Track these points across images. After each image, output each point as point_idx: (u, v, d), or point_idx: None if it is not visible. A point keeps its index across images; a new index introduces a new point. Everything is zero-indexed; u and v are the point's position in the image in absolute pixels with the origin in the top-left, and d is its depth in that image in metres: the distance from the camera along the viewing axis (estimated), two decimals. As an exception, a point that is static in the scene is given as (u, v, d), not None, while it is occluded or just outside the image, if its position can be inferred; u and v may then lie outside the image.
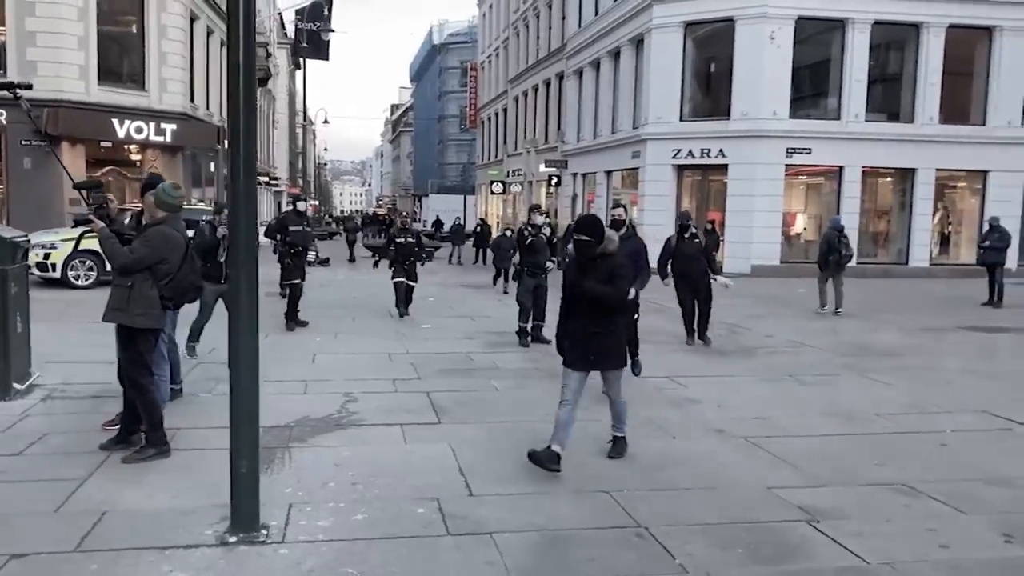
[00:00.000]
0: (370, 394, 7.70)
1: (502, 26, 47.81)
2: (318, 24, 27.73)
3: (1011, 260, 18.03)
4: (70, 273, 16.36)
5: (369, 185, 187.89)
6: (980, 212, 24.44)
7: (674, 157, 24.50)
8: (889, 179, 25.37)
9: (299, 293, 11.94)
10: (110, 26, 22.04)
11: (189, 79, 24.27)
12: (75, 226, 6.18)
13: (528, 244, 10.72)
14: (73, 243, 15.26)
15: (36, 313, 8.02)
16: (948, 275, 23.67)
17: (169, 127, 22.37)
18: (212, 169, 26.74)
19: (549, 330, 9.91)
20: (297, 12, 28.75)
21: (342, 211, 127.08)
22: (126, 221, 7.78)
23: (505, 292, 17.39)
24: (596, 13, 30.37)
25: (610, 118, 29.15)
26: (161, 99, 22.49)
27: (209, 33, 27.18)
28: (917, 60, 23.87)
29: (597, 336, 5.46)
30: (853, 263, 23.38)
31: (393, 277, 13.35)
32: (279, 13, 52.61)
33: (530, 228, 10.88)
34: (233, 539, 4.22)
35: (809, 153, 23.58)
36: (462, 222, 33.51)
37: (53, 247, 16.12)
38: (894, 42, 24.57)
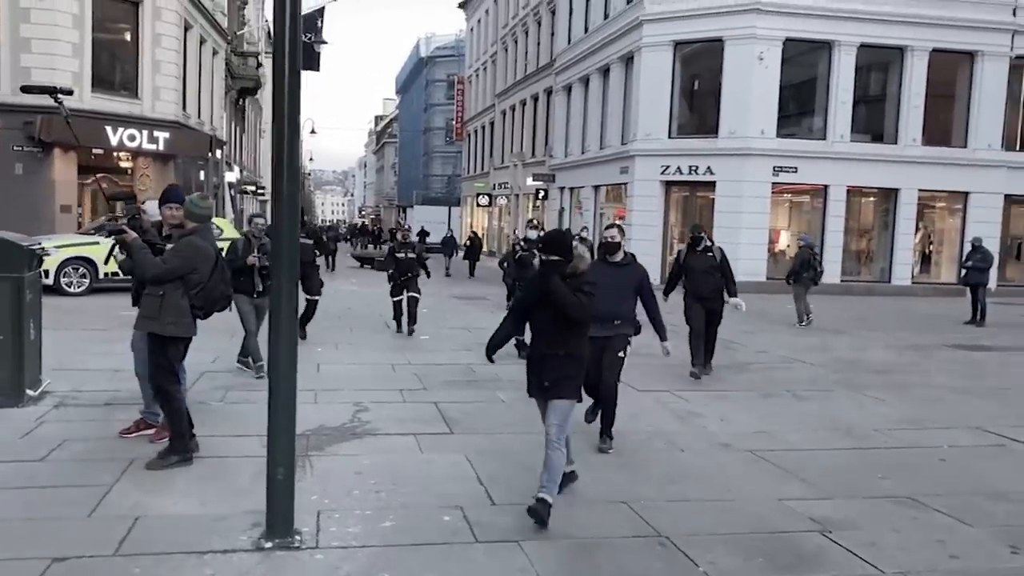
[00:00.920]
0: (380, 404, 7.81)
1: (490, 41, 48.14)
2: (310, 36, 27.78)
3: (991, 280, 18.42)
4: (63, 280, 16.34)
5: (351, 195, 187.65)
6: (961, 232, 24.97)
7: (662, 173, 24.82)
8: (873, 199, 25.83)
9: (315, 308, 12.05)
10: (104, 34, 22.03)
11: (182, 87, 24.27)
12: (108, 236, 6.25)
13: (518, 259, 10.83)
14: (106, 251, 15.30)
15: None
16: (929, 293, 24.12)
17: (162, 135, 22.37)
18: (202, 177, 26.70)
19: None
20: (288, 23, 28.64)
21: (323, 221, 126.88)
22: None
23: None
24: (586, 31, 30.72)
25: (599, 133, 29.46)
26: (154, 107, 22.48)
27: (202, 42, 27.20)
28: (901, 83, 24.38)
29: (552, 360, 4.94)
30: (837, 280, 24.07)
31: (392, 295, 12.98)
32: (266, 22, 52.67)
33: (522, 243, 11.00)
34: (269, 544, 4.33)
35: (795, 172, 23.96)
36: (453, 234, 33.67)
37: (46, 253, 16.07)
38: (879, 64, 25.08)
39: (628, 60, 26.66)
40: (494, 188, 44.86)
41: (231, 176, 33.05)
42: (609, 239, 6.74)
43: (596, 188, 29.79)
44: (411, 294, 12.80)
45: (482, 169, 49.63)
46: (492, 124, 47.54)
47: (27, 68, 20.48)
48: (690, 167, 24.36)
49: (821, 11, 23.23)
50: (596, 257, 6.79)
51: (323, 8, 30.41)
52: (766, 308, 17.17)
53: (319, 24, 28.84)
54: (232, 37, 33.18)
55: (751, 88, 23.39)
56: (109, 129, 21.32)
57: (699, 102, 25.80)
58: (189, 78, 25.37)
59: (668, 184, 25.25)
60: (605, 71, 28.66)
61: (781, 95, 23.76)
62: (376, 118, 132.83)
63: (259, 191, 45.53)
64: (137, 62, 22.60)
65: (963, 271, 17.79)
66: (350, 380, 8.90)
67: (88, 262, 16.70)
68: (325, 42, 27.59)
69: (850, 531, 4.88)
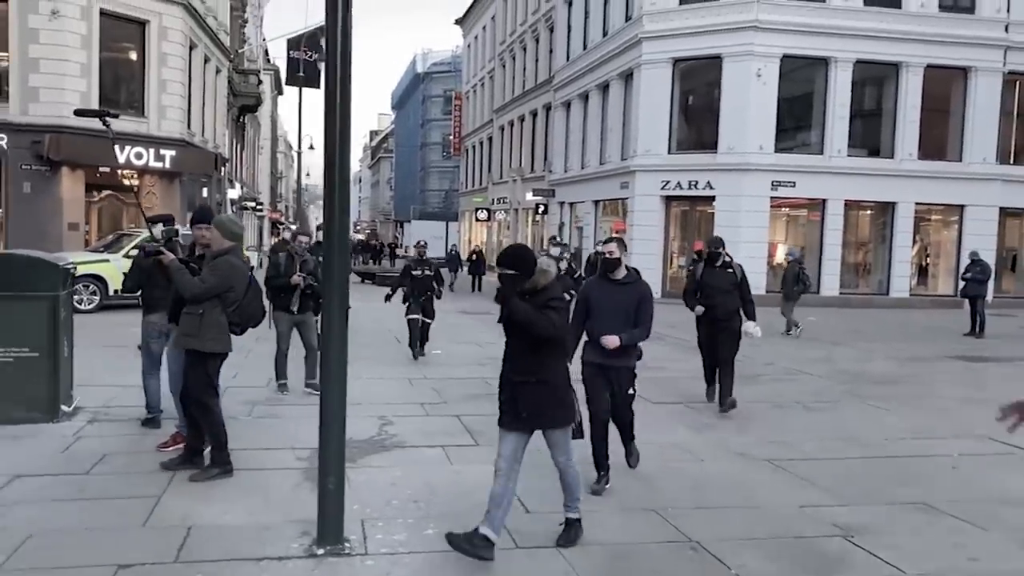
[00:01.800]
0: (404, 417, 8.02)
1: (487, 57, 48.58)
2: (312, 55, 28.11)
3: (988, 292, 18.74)
4: (73, 297, 16.48)
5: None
6: (957, 245, 25.33)
7: (662, 188, 25.15)
8: (870, 212, 26.18)
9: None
10: (112, 53, 22.32)
11: (187, 106, 24.52)
12: (146, 256, 6.43)
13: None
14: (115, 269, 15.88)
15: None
16: (927, 305, 24.43)
17: (168, 153, 22.59)
18: (205, 194, 26.91)
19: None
20: (290, 41, 29.06)
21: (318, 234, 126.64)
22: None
23: None
24: (584, 47, 31.11)
25: (598, 149, 29.80)
26: (160, 126, 22.73)
27: (206, 61, 27.50)
28: (897, 98, 24.78)
29: (524, 386, 4.52)
30: (836, 293, 24.40)
31: (407, 313, 12.19)
32: (264, 40, 53.13)
33: (543, 255, 10.93)
34: (321, 551, 4.53)
35: (793, 186, 24.31)
36: (457, 249, 33.99)
37: (75, 272, 16.28)
38: (875, 80, 25.51)
39: (627, 77, 27.04)
40: (493, 203, 45.18)
41: (233, 193, 33.30)
42: (608, 254, 6.04)
43: (596, 203, 30.10)
44: (425, 319, 12.16)
45: (480, 184, 49.96)
46: (490, 139, 47.90)
47: (35, 88, 20.78)
48: (690, 182, 24.69)
49: (818, 28, 23.64)
50: (596, 273, 6.34)
51: (322, 27, 30.77)
52: (769, 321, 17.40)
53: (321, 42, 29.10)
54: (233, 55, 33.49)
55: (749, 104, 23.76)
56: (116, 147, 21.50)
57: (698, 118, 26.16)
58: (194, 96, 25.64)
59: (668, 199, 25.57)
60: (604, 87, 29.03)
61: (779, 110, 24.14)
62: (371, 133, 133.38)
63: (258, 207, 45.71)
64: (143, 81, 22.87)
65: (962, 283, 18.10)
66: (370, 395, 9.09)
67: (98, 279, 16.87)
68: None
69: (870, 535, 5.09)
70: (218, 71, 29.81)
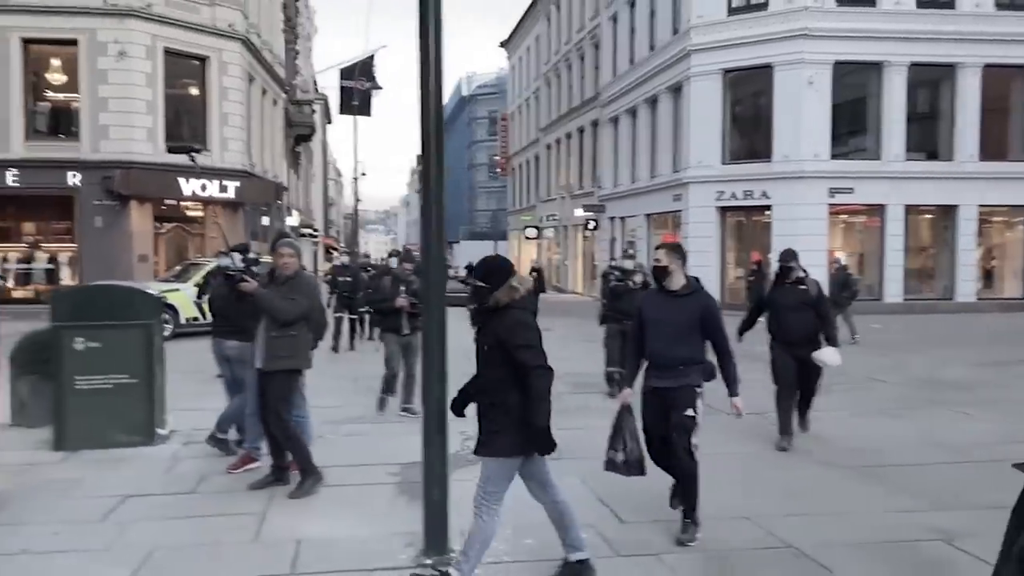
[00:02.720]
0: (483, 434, 8.14)
1: (533, 77, 49.00)
2: (365, 83, 28.72)
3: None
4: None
5: (395, 234, 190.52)
6: (1023, 246, 24.71)
7: (717, 199, 25.05)
8: (931, 216, 25.69)
9: None
10: (175, 90, 23.12)
11: (247, 137, 25.23)
12: (229, 284, 6.68)
13: (611, 289, 10.61)
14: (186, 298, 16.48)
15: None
16: (995, 309, 23.84)
17: (231, 184, 23.26)
18: (266, 223, 27.60)
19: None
20: (342, 71, 29.72)
21: (366, 256, 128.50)
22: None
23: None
24: (631, 63, 31.23)
25: (649, 162, 29.80)
26: (223, 157, 23.42)
27: (264, 93, 28.29)
28: (955, 99, 24.36)
29: (480, 408, 4.31)
30: (900, 299, 23.97)
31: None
32: (313, 73, 54.33)
33: (616, 272, 10.84)
34: (429, 561, 4.66)
35: (851, 193, 24.01)
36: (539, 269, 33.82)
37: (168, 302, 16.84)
38: (931, 82, 25.09)
39: (676, 90, 27.05)
40: (541, 220, 45.38)
41: (292, 220, 34.05)
42: (655, 262, 5.37)
43: (648, 217, 30.06)
44: None
45: (528, 202, 50.24)
46: (537, 158, 48.20)
47: (105, 126, 21.61)
48: (745, 192, 24.55)
49: (869, 33, 23.41)
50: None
51: (373, 55, 31.41)
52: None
53: (372, 70, 29.77)
54: (288, 86, 34.37)
55: (802, 112, 23.59)
56: (182, 180, 22.25)
57: (751, 127, 26.03)
58: (253, 128, 26.38)
59: (723, 210, 25.45)
60: (653, 101, 29.07)
61: (833, 116, 23.91)
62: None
63: (314, 234, 46.60)
64: (206, 115, 23.63)
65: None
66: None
67: (170, 308, 17.39)
68: (380, 87, 28.47)
69: (972, 540, 5.04)
70: (275, 102, 30.63)
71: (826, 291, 8.30)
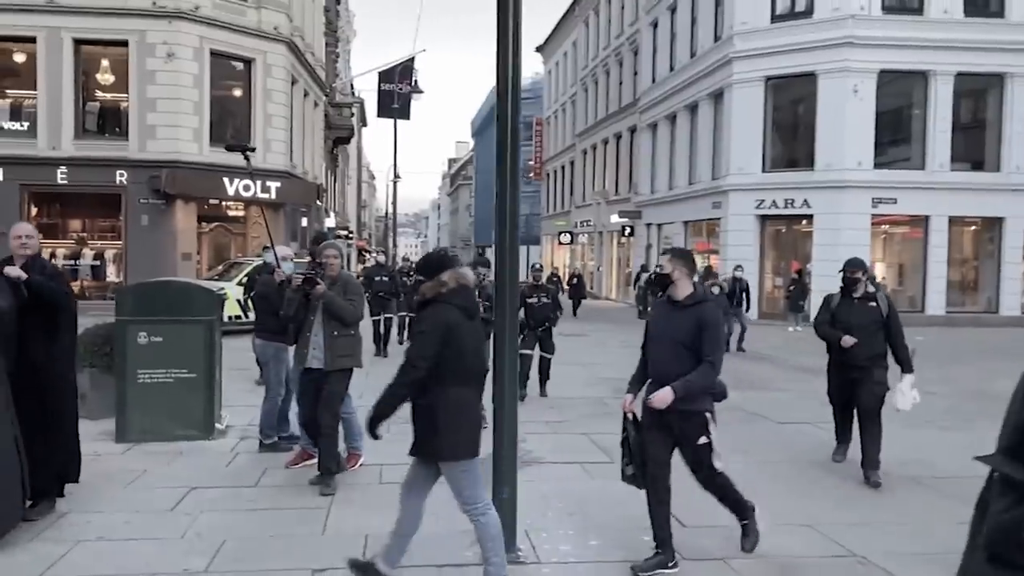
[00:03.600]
0: (533, 435, 8.18)
1: (569, 82, 49.03)
2: (402, 87, 28.94)
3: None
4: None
5: (425, 237, 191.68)
6: (1071, 260, 24.24)
7: (757, 207, 24.89)
8: (975, 227, 25.31)
9: None
10: (221, 91, 23.50)
11: (289, 139, 25.55)
12: (297, 286, 6.78)
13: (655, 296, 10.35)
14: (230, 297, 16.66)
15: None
16: (1041, 323, 23.42)
17: (273, 184, 23.56)
18: (304, 224, 27.91)
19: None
20: (381, 74, 29.98)
21: (405, 259, 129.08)
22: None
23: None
24: (671, 69, 31.15)
25: (687, 169, 29.68)
26: (265, 158, 23.73)
27: (305, 95, 28.63)
28: (1002, 109, 23.99)
29: (414, 409, 4.21)
30: (942, 312, 23.62)
31: (521, 347, 9.93)
32: (350, 75, 54.86)
33: (654, 276, 10.63)
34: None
35: (895, 203, 23.73)
36: (558, 272, 34.12)
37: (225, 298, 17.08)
38: (978, 91, 24.75)
39: (717, 96, 26.94)
40: (575, 226, 45.37)
41: (329, 222, 34.40)
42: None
43: (686, 224, 29.93)
44: (544, 354, 10.88)
45: (562, 207, 50.24)
46: (572, 163, 48.20)
47: (152, 126, 22.00)
48: (786, 200, 24.37)
49: (916, 42, 23.11)
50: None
51: (414, 58, 31.65)
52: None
53: (412, 73, 29.98)
54: (328, 89, 34.75)
55: (846, 120, 23.36)
56: (226, 180, 22.58)
57: (793, 135, 25.84)
58: (295, 130, 26.71)
59: (763, 218, 25.27)
60: (693, 107, 28.97)
61: (877, 125, 23.65)
62: (449, 161, 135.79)
63: (349, 236, 47.01)
64: (250, 116, 23.98)
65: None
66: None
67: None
68: (421, 91, 28.66)
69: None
70: (316, 105, 30.99)
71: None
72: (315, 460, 6.77)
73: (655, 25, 33.12)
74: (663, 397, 4.45)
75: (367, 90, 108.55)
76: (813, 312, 9.21)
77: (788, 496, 6.22)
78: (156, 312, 7.60)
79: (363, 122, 71.51)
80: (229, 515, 5.56)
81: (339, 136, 38.20)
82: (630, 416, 4.78)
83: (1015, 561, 1.85)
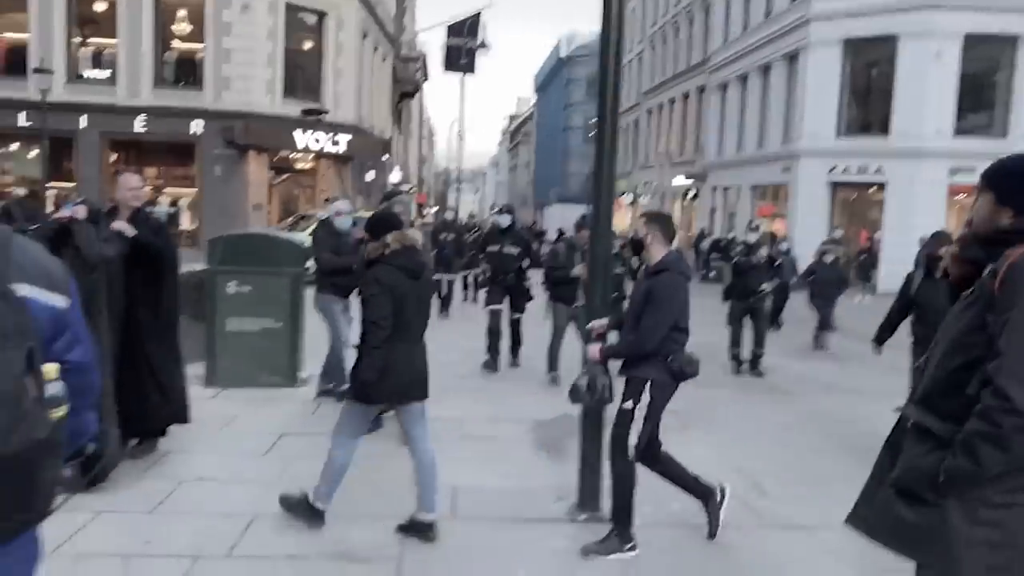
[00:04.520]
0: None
1: (636, 39, 48.15)
2: (469, 43, 28.82)
3: None
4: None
5: (482, 193, 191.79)
6: None
7: (829, 173, 24.32)
8: (1059, 200, 24.33)
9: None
10: (294, 44, 23.71)
11: (358, 93, 25.72)
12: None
13: (734, 264, 10.39)
14: None
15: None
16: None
17: (343, 138, 23.83)
18: (370, 178, 28.20)
19: (769, 359, 10.10)
20: (449, 28, 29.87)
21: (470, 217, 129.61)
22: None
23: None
24: (744, 28, 30.38)
25: (757, 132, 29.09)
26: (335, 112, 23.97)
27: (375, 49, 28.72)
28: (1095, 77, 22.91)
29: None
30: (1019, 287, 22.85)
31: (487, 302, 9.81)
32: (416, 30, 54.72)
33: (740, 246, 10.64)
34: (583, 516, 4.85)
35: (973, 172, 22.84)
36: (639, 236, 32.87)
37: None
38: (1069, 58, 23.63)
39: (792, 58, 26.24)
40: (637, 187, 44.93)
41: (394, 177, 34.67)
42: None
43: (753, 188, 29.43)
44: (515, 313, 9.88)
45: (624, 168, 49.72)
46: (636, 123, 47.58)
47: (227, 77, 22.36)
48: (859, 167, 23.78)
49: (1005, 6, 22.11)
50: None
51: (480, 12, 31.42)
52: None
53: (479, 28, 29.82)
54: (396, 44, 34.79)
55: (926, 86, 22.59)
56: (297, 133, 22.90)
57: (869, 100, 25.09)
58: (364, 84, 26.87)
59: (835, 185, 24.71)
60: (766, 69, 28.28)
61: (959, 92, 22.81)
62: (510, 117, 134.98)
63: (411, 190, 47.36)
64: (321, 70, 24.18)
65: None
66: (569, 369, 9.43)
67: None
68: (488, 46, 28.53)
69: None
70: (384, 59, 31.08)
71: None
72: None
73: (729, -17, 32.27)
74: (592, 351, 4.56)
75: (428, 43, 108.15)
76: (881, 284, 9.07)
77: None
78: (245, 263, 7.85)
79: (425, 77, 71.53)
80: (319, 462, 5.78)
81: (405, 91, 38.27)
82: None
83: (923, 497, 2.26)
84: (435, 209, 68.14)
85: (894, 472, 2.39)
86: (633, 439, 4.36)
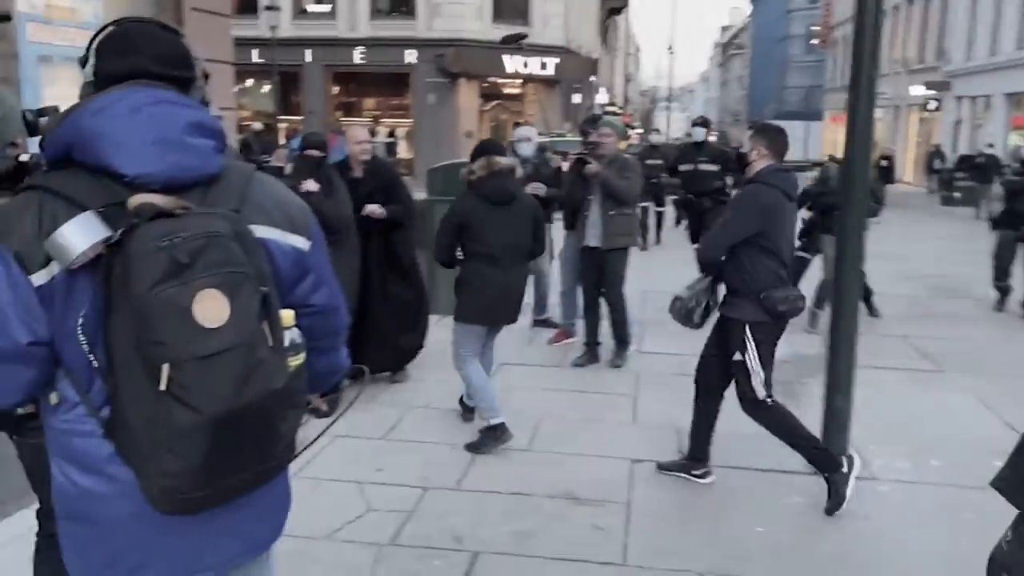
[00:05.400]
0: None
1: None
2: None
3: None
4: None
5: (690, 112, 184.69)
6: None
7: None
8: None
9: None
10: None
11: (566, 13, 25.15)
12: (577, 163, 6.78)
13: (1007, 185, 8.91)
14: None
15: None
16: None
17: (551, 61, 23.53)
18: (577, 100, 27.74)
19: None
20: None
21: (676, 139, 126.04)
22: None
23: None
24: (1005, -92, 26.32)
25: (1016, 31, 25.38)
26: (544, 34, 23.63)
27: (583, -34, 27.90)
28: None
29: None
30: None
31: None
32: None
33: (1014, 165, 9.05)
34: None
35: None
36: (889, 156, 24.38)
37: None
38: None
39: (1066, -60, 22.44)
40: (867, 100, 41.11)
41: (600, 98, 34.00)
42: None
43: (1008, 96, 25.89)
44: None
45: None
46: (867, 28, 43.24)
47: (437, 4, 22.63)
48: None
49: None
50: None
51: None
52: None
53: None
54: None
55: None
56: (506, 57, 22.85)
57: None
58: (572, 1, 26.21)
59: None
60: (1030, -45, 24.45)
61: None
62: (722, 29, 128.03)
63: (618, 112, 46.44)
64: (528, -10, 23.83)
65: None
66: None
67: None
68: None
69: None
70: (592, -25, 30.18)
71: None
72: (573, 339, 6.99)
73: None
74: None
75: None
76: None
77: None
78: (457, 193, 7.82)
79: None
80: (539, 395, 5.71)
81: (612, 7, 37.09)
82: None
83: None
84: (640, 130, 66.50)
85: None
86: (761, 391, 3.97)
